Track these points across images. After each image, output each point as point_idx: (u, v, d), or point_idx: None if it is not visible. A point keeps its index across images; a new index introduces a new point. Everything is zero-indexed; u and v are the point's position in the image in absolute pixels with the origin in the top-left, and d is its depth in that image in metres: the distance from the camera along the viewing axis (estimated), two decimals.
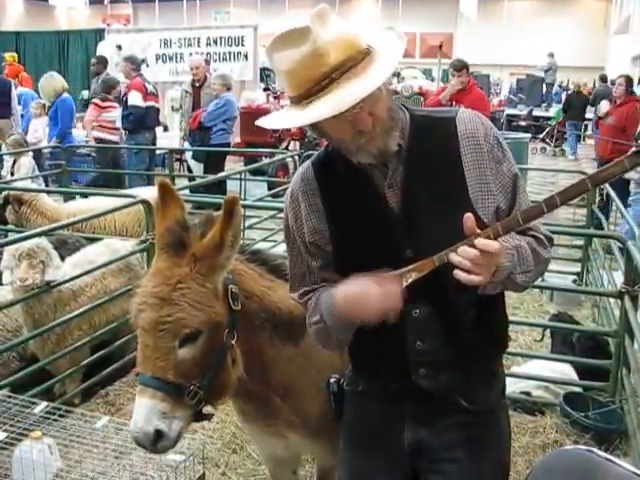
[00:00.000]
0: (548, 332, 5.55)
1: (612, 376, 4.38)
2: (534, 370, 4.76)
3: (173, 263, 1.99)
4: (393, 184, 1.86)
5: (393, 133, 1.80)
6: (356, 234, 1.90)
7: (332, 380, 2.21)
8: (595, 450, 1.46)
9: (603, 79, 18.83)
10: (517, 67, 24.54)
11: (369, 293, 1.75)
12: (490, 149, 1.86)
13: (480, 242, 1.62)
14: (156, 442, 1.92)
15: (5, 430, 2.83)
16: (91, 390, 4.82)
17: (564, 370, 4.71)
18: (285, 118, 1.81)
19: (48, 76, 10.36)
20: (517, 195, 1.89)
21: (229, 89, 9.81)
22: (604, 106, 10.16)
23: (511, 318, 5.39)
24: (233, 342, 2.08)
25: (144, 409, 1.91)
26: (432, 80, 19.11)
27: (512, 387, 4.69)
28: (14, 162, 8.96)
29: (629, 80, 9.77)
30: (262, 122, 1.84)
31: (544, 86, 22.26)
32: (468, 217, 1.64)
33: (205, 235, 2.03)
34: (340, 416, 2.18)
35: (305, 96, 1.70)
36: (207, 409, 2.11)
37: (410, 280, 1.77)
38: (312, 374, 2.35)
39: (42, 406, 3.15)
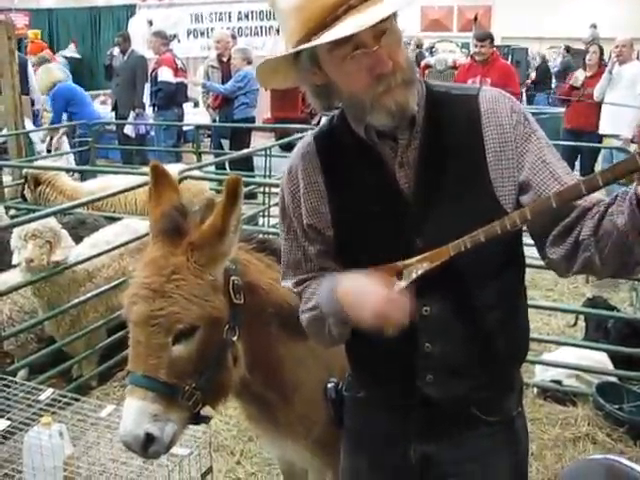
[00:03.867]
0: (582, 316, 5.33)
1: None
2: (566, 357, 4.54)
3: (168, 252, 1.82)
4: (405, 163, 1.63)
5: (413, 89, 1.57)
6: (360, 218, 1.67)
7: (330, 385, 2.01)
8: (623, 461, 1.31)
9: (568, 50, 19.24)
10: (558, 40, 23.82)
11: (374, 294, 1.54)
12: (515, 125, 1.62)
13: None
14: (146, 446, 1.75)
15: (9, 418, 2.76)
16: (109, 373, 4.76)
17: (598, 358, 4.48)
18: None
19: (44, 69, 10.33)
20: (550, 170, 1.61)
21: (250, 63, 9.63)
22: (581, 76, 9.38)
23: (543, 302, 5.26)
24: (235, 339, 1.90)
25: (133, 411, 1.75)
26: (468, 54, 18.67)
27: (542, 375, 4.53)
28: (51, 139, 8.97)
29: (601, 49, 9.29)
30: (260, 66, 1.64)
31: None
32: None
33: (204, 222, 1.85)
34: (340, 424, 1.98)
35: (315, 30, 1.48)
36: (206, 411, 1.91)
37: (420, 272, 1.55)
38: (322, 376, 2.13)
39: (48, 393, 3.07)
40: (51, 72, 10.22)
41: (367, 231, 1.66)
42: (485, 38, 8.10)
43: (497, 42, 9.72)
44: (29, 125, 9.92)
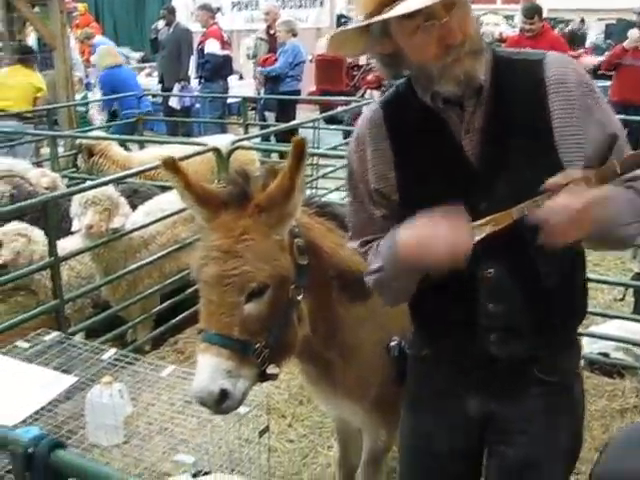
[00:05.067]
0: (630, 291, 5.30)
1: None
2: (613, 330, 4.53)
3: (236, 215, 1.88)
4: (470, 129, 1.68)
5: (481, 58, 1.62)
6: (426, 183, 1.72)
7: (393, 343, 2.09)
8: None
9: (582, 21, 20.13)
10: (607, 11, 23.20)
11: (437, 234, 1.55)
12: (581, 95, 1.65)
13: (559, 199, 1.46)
14: (220, 402, 1.81)
15: (76, 375, 2.87)
16: (161, 338, 4.90)
17: None
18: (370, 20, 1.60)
19: (105, 49, 10.32)
20: (613, 146, 1.65)
21: (295, 35, 9.66)
22: (635, 35, 8.50)
23: (591, 275, 5.23)
24: (299, 298, 1.97)
25: (209, 367, 1.80)
26: (514, 27, 18.37)
27: (589, 347, 4.52)
28: None
29: None
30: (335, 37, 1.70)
31: None
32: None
33: (266, 187, 1.92)
34: (402, 382, 2.06)
35: (387, 1, 1.53)
36: (271, 369, 1.96)
37: (483, 234, 1.59)
38: (380, 336, 2.21)
39: (111, 353, 3.18)
40: (109, 54, 10.06)
41: (432, 196, 1.68)
42: (533, 15, 7.86)
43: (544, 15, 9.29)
44: (97, 96, 10.04)
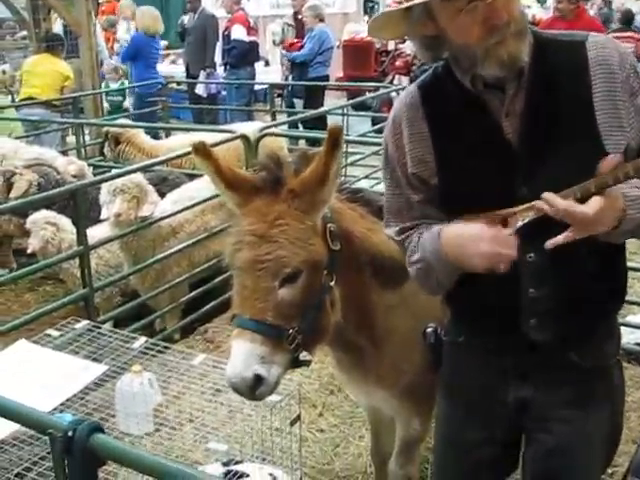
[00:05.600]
0: None
1: None
2: None
3: (269, 200, 1.87)
4: (511, 112, 1.65)
5: (525, 40, 1.59)
6: (465, 167, 1.69)
7: (429, 330, 2.07)
8: None
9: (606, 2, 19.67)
10: None
11: (480, 238, 1.58)
12: (625, 79, 1.61)
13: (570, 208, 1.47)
14: (255, 388, 1.80)
15: (106, 363, 2.86)
16: (190, 327, 4.88)
17: None
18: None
19: (150, 14, 10.06)
20: None
21: (322, 20, 9.59)
22: None
23: (628, 264, 5.14)
24: (332, 284, 1.95)
25: (242, 353, 1.79)
26: (546, 8, 18.11)
27: (626, 337, 4.43)
28: None
29: None
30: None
31: None
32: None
33: (299, 172, 1.90)
34: (437, 369, 2.04)
35: None
36: (304, 355, 1.96)
37: (526, 220, 1.58)
38: (412, 324, 2.20)
39: (141, 341, 3.16)
40: (151, 18, 9.82)
41: (471, 180, 1.68)
42: None
43: None
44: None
